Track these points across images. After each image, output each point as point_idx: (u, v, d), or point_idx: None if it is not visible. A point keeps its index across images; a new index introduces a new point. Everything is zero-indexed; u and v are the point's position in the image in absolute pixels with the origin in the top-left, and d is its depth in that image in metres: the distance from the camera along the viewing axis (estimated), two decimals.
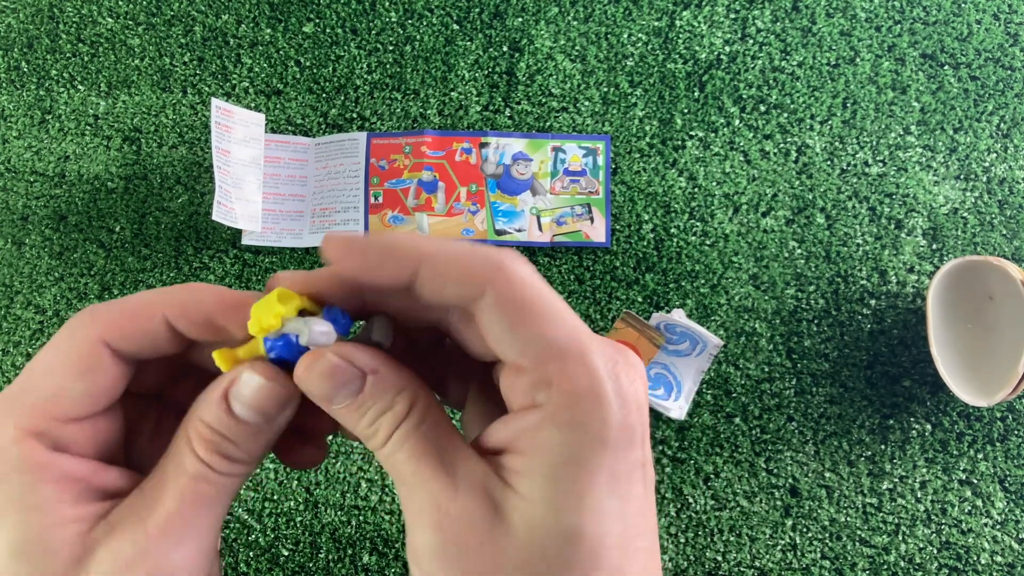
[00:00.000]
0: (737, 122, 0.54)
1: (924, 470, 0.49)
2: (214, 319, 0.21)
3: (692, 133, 0.53)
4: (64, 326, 0.21)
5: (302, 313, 0.21)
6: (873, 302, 0.51)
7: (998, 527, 0.49)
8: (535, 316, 0.19)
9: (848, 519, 0.49)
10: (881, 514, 0.49)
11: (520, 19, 0.55)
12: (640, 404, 0.20)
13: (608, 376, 0.19)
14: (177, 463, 0.20)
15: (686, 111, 0.54)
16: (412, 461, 0.20)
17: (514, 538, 0.19)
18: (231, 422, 0.20)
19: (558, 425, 0.19)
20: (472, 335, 0.22)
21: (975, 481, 0.49)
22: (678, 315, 0.48)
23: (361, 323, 0.23)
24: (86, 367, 0.20)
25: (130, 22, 0.55)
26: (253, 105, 0.54)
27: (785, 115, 0.54)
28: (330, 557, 0.49)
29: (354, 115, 0.54)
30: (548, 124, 0.54)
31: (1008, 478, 0.49)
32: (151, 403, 0.24)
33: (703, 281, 0.52)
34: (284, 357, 0.20)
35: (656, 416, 0.50)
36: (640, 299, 0.52)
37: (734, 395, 0.50)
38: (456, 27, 0.55)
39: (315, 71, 0.54)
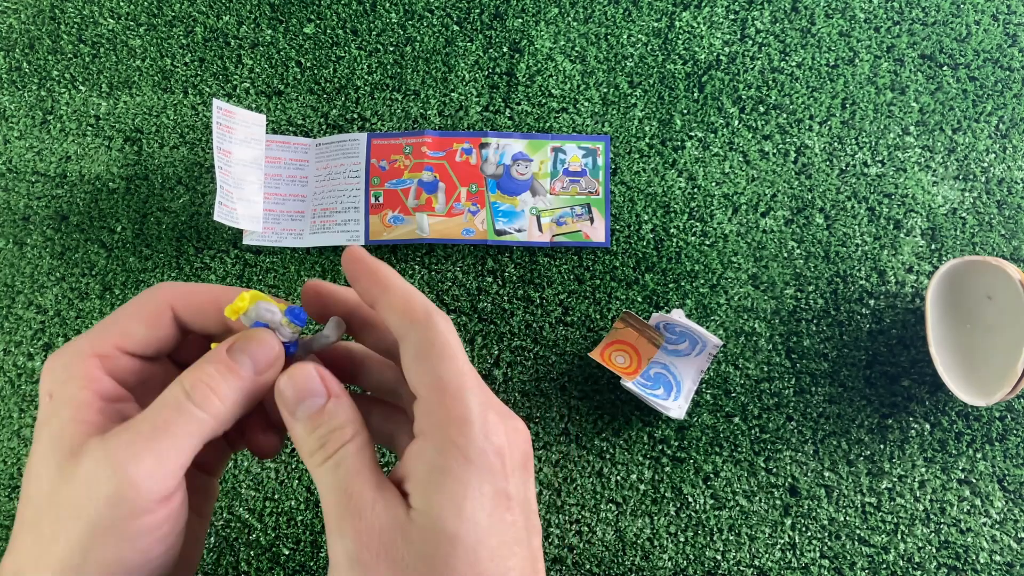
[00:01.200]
0: (736, 123, 0.54)
1: (923, 469, 0.49)
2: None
3: (691, 133, 0.54)
4: (146, 290, 0.28)
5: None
6: (872, 302, 0.52)
7: (997, 526, 0.49)
8: (438, 355, 0.25)
9: (847, 518, 0.49)
10: (880, 513, 0.49)
11: (520, 20, 0.55)
12: (498, 444, 0.24)
13: (477, 410, 0.24)
14: (169, 390, 0.25)
15: (685, 112, 0.54)
16: (348, 478, 0.24)
17: (411, 546, 0.23)
18: (226, 362, 0.26)
19: (433, 443, 0.24)
20: (404, 390, 0.28)
21: (974, 480, 0.49)
22: (677, 315, 0.49)
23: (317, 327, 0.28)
24: (152, 318, 0.27)
25: (131, 23, 0.55)
26: (254, 106, 0.54)
27: (784, 116, 0.54)
28: None
29: (355, 116, 0.54)
30: (548, 124, 0.54)
31: (1007, 477, 0.49)
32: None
33: (702, 281, 0.52)
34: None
35: (656, 415, 0.50)
36: (640, 299, 0.52)
37: (733, 395, 0.50)
38: (456, 28, 0.55)
39: (316, 72, 0.55)
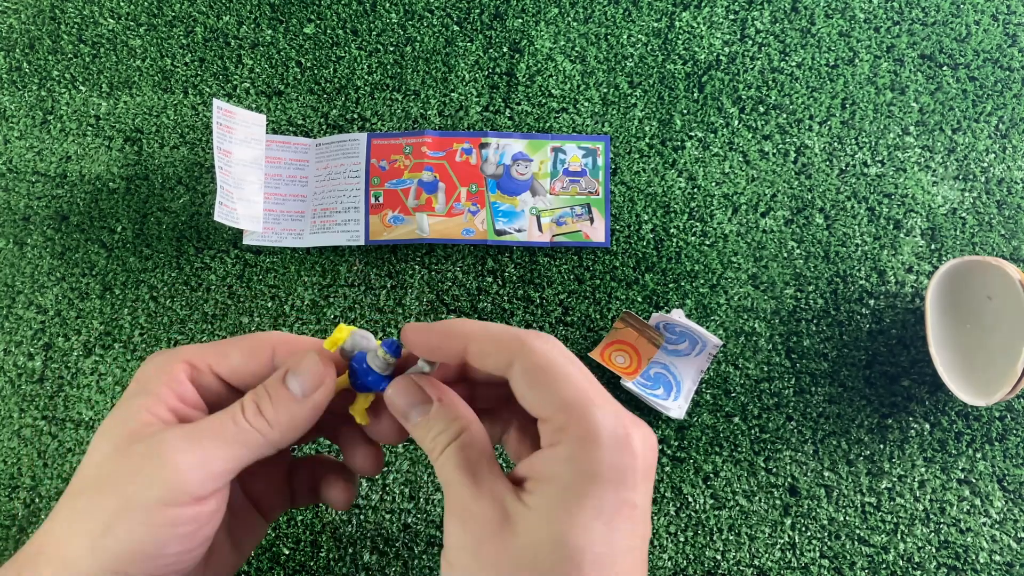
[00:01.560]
0: (736, 123, 0.54)
1: (923, 469, 0.49)
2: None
3: (691, 134, 0.54)
4: (254, 333, 0.31)
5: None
6: (872, 302, 0.52)
7: (997, 526, 0.49)
8: (550, 380, 0.26)
9: (847, 518, 0.49)
10: (880, 513, 0.49)
11: (520, 20, 0.55)
12: (637, 455, 0.25)
13: (608, 426, 0.25)
14: (230, 407, 0.28)
15: (685, 112, 0.54)
16: (455, 470, 0.26)
17: (517, 538, 0.24)
18: (278, 385, 0.28)
19: (563, 459, 0.25)
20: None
21: (974, 480, 0.49)
22: (677, 315, 0.49)
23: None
24: (251, 352, 0.30)
25: (131, 23, 0.55)
26: (254, 106, 0.54)
27: (784, 116, 0.54)
28: (331, 556, 0.49)
29: (355, 116, 0.54)
30: (548, 125, 0.54)
31: (1007, 477, 0.49)
32: None
33: (702, 281, 0.52)
34: (358, 366, 0.30)
35: (656, 416, 0.50)
36: (640, 299, 0.52)
37: (733, 395, 0.50)
38: (456, 28, 0.55)
39: (316, 72, 0.55)
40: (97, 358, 0.51)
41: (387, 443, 0.32)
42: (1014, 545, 0.48)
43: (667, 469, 0.50)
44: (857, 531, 0.49)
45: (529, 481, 0.26)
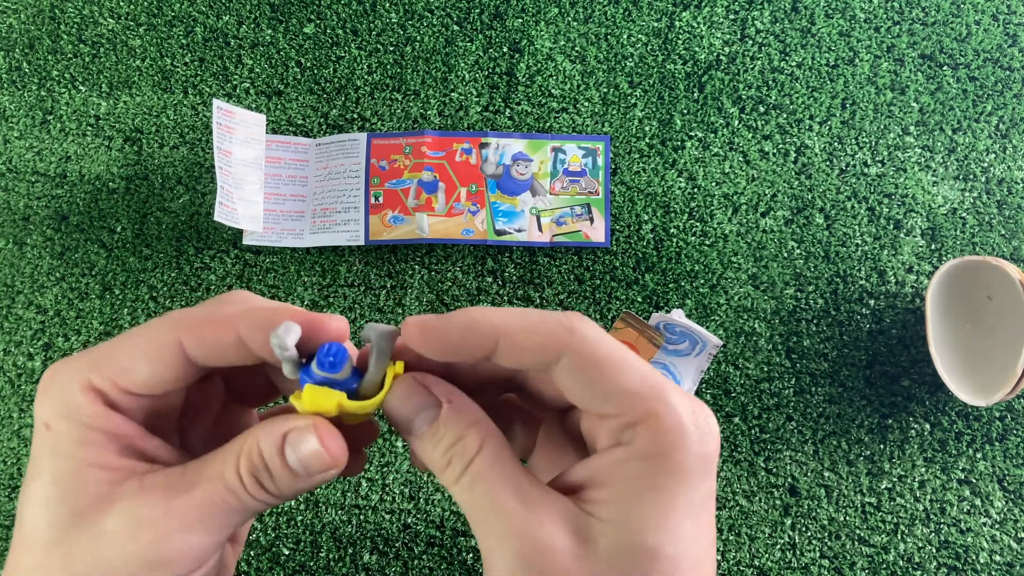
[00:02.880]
0: (736, 123, 0.54)
1: (923, 469, 0.49)
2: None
3: (691, 133, 0.54)
4: (153, 320, 0.23)
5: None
6: (872, 302, 0.52)
7: (997, 526, 0.49)
8: (611, 371, 0.21)
9: (847, 518, 0.49)
10: (880, 513, 0.49)
11: (520, 20, 0.55)
12: (716, 438, 0.22)
13: (687, 413, 0.21)
14: (221, 467, 0.22)
15: (685, 112, 0.54)
16: (491, 495, 0.21)
17: (599, 561, 0.20)
18: (278, 462, 0.22)
19: (643, 457, 0.21)
20: (545, 388, 0.24)
21: (974, 480, 0.49)
22: (677, 315, 0.49)
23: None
24: (157, 358, 0.22)
25: (131, 23, 0.55)
26: (254, 106, 0.54)
27: (784, 116, 0.54)
28: (331, 556, 0.49)
29: (355, 116, 0.54)
30: (548, 124, 0.54)
31: (1007, 477, 0.49)
32: (219, 390, 0.27)
33: (702, 281, 0.52)
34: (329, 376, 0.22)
35: None
36: (640, 299, 0.52)
37: (733, 395, 0.50)
38: (456, 28, 0.55)
39: (316, 72, 0.55)
40: None
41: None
42: (1014, 545, 0.48)
43: None
44: (857, 531, 0.49)
45: (591, 489, 0.22)
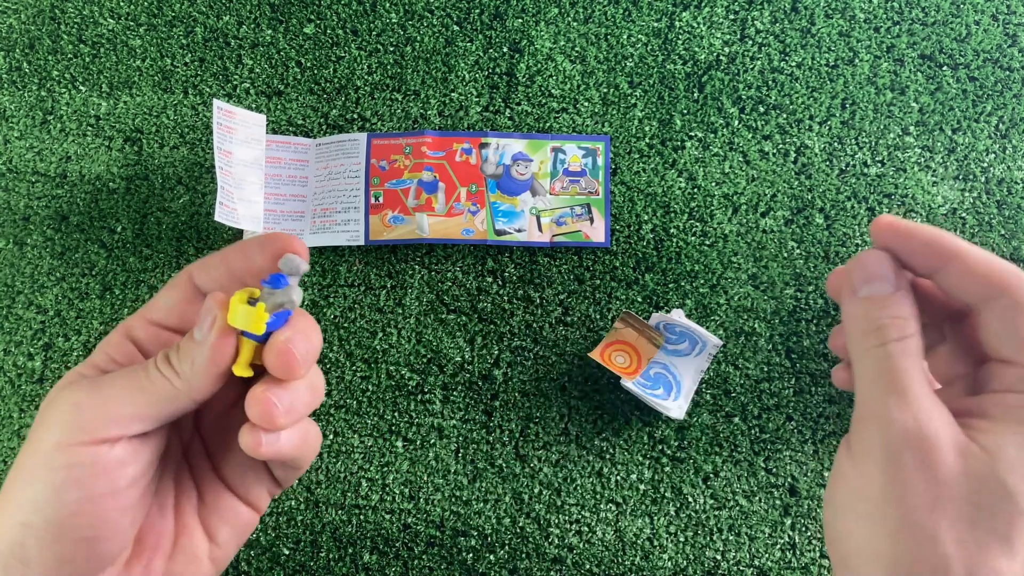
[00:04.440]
0: (736, 123, 0.54)
1: None
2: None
3: (691, 134, 0.54)
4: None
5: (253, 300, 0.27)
6: None
7: None
8: None
9: None
10: None
11: (520, 20, 0.55)
12: None
13: None
14: (144, 362, 0.27)
15: (685, 112, 0.54)
16: (904, 374, 0.24)
17: (962, 474, 0.23)
18: (186, 336, 0.27)
19: None
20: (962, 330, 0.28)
21: None
22: (677, 315, 0.49)
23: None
24: (173, 286, 0.29)
25: (131, 23, 0.55)
26: (254, 106, 0.54)
27: (784, 116, 0.54)
28: (330, 556, 0.49)
29: (355, 116, 0.54)
30: (548, 125, 0.54)
31: None
32: (233, 392, 0.32)
33: (702, 281, 0.52)
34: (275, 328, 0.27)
35: (656, 416, 0.50)
36: (640, 299, 0.52)
37: (733, 395, 0.50)
38: (456, 28, 0.55)
39: (316, 72, 0.55)
40: None
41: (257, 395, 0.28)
42: None
43: (667, 469, 0.50)
44: None
45: (977, 419, 0.24)
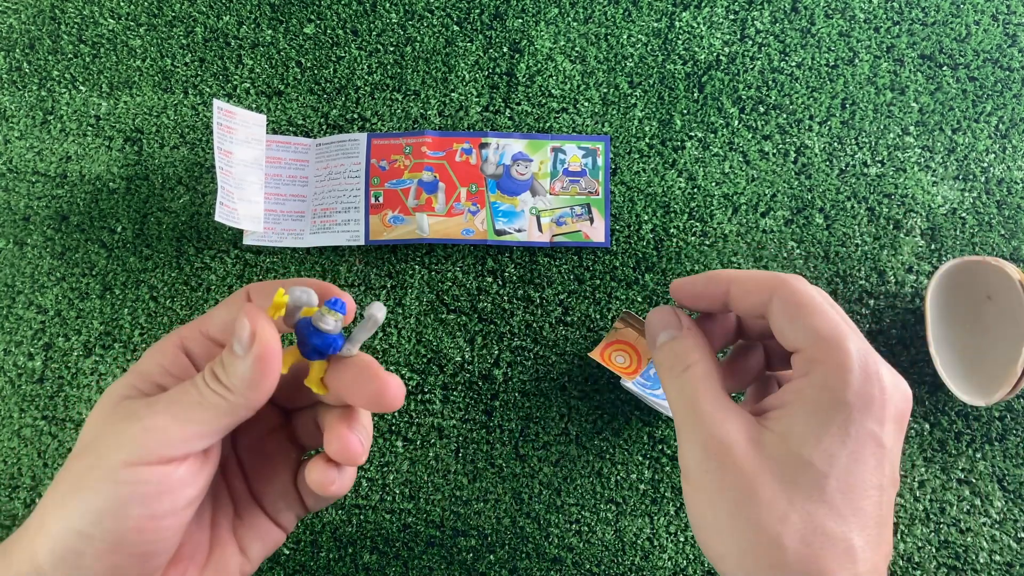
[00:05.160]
0: (736, 123, 0.54)
1: (923, 469, 0.49)
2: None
3: (691, 134, 0.54)
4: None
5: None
6: (872, 302, 0.52)
7: (996, 526, 0.49)
8: (806, 312, 0.27)
9: None
10: None
11: (520, 20, 0.55)
12: (883, 385, 0.26)
13: (858, 358, 0.26)
14: (193, 378, 0.28)
15: (685, 112, 0.54)
16: (694, 396, 0.28)
17: (765, 459, 0.26)
18: (228, 349, 0.27)
19: (815, 387, 0.26)
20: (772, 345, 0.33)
21: (973, 480, 0.49)
22: None
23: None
24: (230, 304, 0.30)
25: (131, 23, 0.55)
26: (254, 106, 0.54)
27: (784, 116, 0.54)
28: (330, 556, 0.49)
29: (355, 116, 0.54)
30: (548, 125, 0.54)
31: (1006, 477, 0.49)
32: (274, 416, 0.34)
33: None
34: (305, 331, 0.28)
35: (656, 416, 0.50)
36: (640, 299, 0.52)
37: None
38: (456, 28, 0.55)
39: (316, 72, 0.55)
40: (97, 358, 0.51)
41: (351, 416, 0.30)
42: (1014, 545, 0.48)
43: (667, 469, 0.50)
44: None
45: (774, 411, 0.27)
